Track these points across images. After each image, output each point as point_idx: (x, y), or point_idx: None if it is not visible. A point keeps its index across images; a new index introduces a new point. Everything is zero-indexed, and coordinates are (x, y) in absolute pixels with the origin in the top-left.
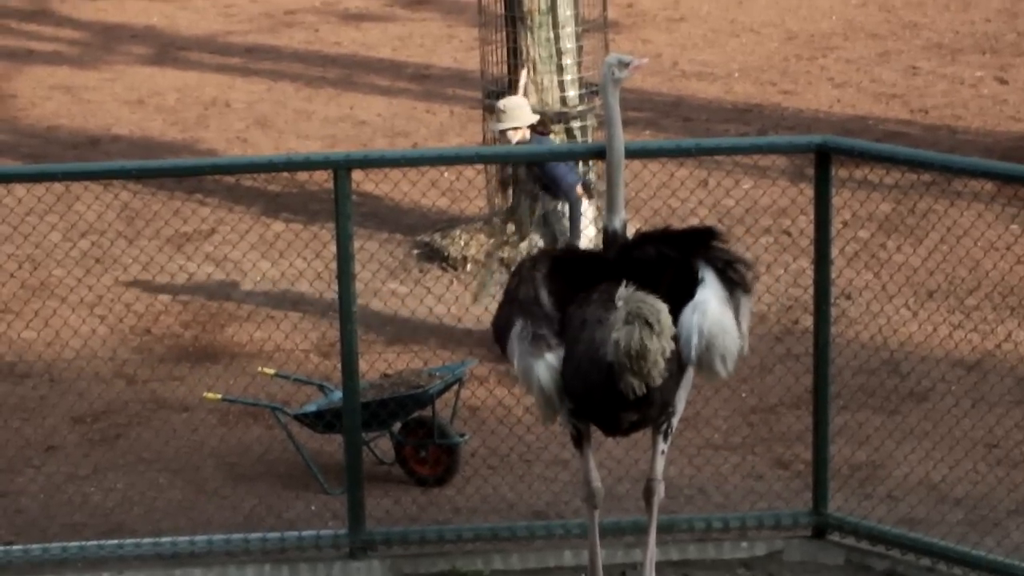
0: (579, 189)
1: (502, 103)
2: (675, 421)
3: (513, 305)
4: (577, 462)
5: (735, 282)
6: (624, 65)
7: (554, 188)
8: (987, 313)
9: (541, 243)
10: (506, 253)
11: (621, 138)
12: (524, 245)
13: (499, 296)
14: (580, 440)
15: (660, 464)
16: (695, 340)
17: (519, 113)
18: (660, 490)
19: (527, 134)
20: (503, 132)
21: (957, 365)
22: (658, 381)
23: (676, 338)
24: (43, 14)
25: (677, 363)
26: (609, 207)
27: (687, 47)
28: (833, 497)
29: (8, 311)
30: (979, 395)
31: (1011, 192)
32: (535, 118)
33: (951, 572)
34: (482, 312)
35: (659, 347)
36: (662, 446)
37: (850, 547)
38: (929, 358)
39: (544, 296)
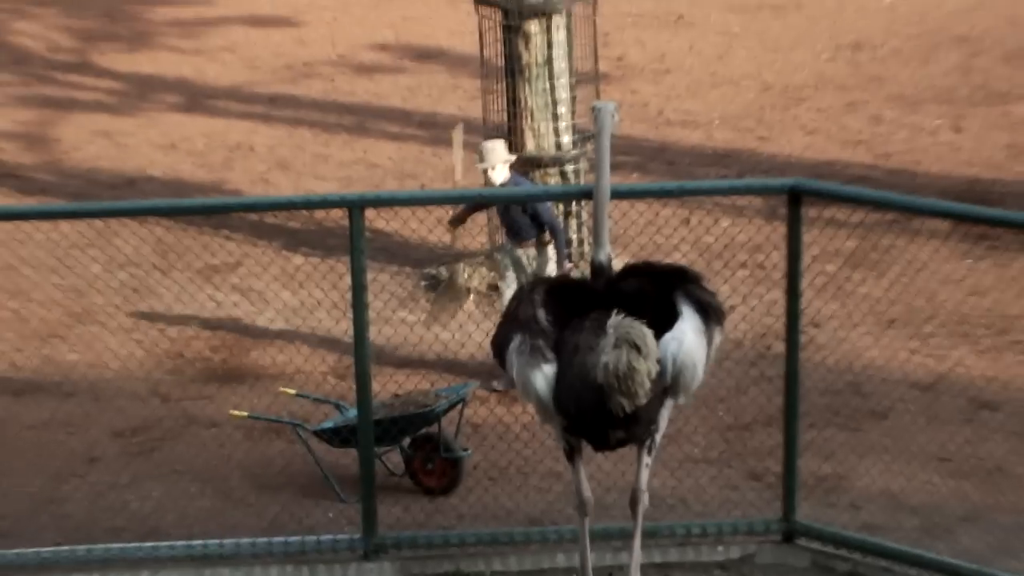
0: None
1: (483, 144)
2: (658, 437)
3: (512, 323)
4: (569, 474)
5: (710, 318)
6: (617, 112)
7: (538, 220)
8: (942, 340)
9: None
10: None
11: (608, 178)
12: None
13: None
14: (572, 454)
15: (645, 476)
16: (669, 367)
17: (500, 152)
18: (644, 500)
19: (507, 174)
20: (485, 171)
21: (914, 386)
22: (643, 400)
23: (660, 361)
24: (85, 66)
25: (660, 385)
26: (596, 241)
27: (671, 97)
28: (801, 506)
29: (55, 335)
30: (933, 413)
31: (965, 230)
32: (512, 157)
33: (907, 573)
34: (483, 339)
35: (646, 368)
36: (646, 460)
37: (816, 551)
38: (889, 380)
39: (541, 315)
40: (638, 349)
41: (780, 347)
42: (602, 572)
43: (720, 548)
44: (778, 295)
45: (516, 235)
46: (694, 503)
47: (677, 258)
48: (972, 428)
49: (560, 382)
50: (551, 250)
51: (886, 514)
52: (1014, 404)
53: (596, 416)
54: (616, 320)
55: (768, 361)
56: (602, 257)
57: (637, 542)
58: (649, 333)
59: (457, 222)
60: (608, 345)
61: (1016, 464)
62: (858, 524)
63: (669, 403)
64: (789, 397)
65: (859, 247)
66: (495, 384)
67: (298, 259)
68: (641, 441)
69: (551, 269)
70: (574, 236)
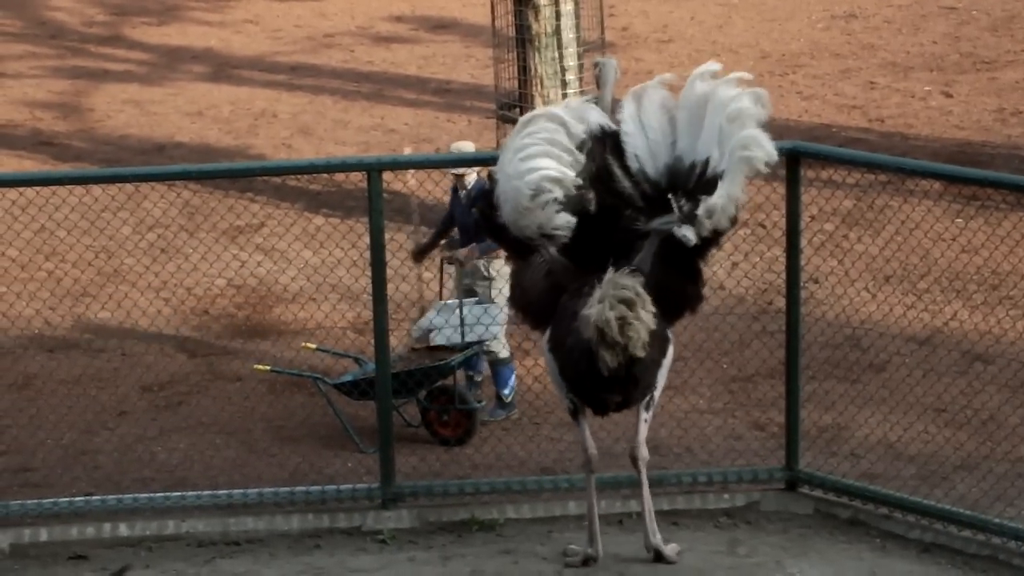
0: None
1: (454, 147)
2: (657, 395)
3: None
4: (575, 432)
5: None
6: (618, 68)
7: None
8: (936, 295)
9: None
10: None
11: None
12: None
13: None
14: (576, 413)
15: (643, 431)
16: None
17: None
18: (643, 454)
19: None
20: (458, 176)
21: (910, 340)
22: (640, 351)
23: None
24: (117, 39)
25: (659, 347)
26: None
27: (674, 65)
28: (803, 455)
29: (86, 295)
30: (929, 366)
31: (956, 191)
32: None
33: (905, 519)
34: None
35: (647, 316)
36: (645, 416)
37: (818, 498)
38: (886, 334)
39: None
40: (628, 303)
41: (781, 303)
42: (612, 519)
43: (725, 496)
44: (779, 253)
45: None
46: (700, 452)
47: None
48: (966, 380)
49: (559, 348)
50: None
51: (885, 463)
52: (1006, 357)
53: (592, 380)
54: (607, 276)
55: (770, 316)
56: None
57: (646, 492)
58: (638, 283)
59: (422, 254)
60: (594, 301)
61: (1009, 414)
62: (858, 472)
63: (667, 364)
64: (790, 350)
65: (855, 207)
66: (500, 414)
67: (319, 220)
68: (640, 401)
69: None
70: None
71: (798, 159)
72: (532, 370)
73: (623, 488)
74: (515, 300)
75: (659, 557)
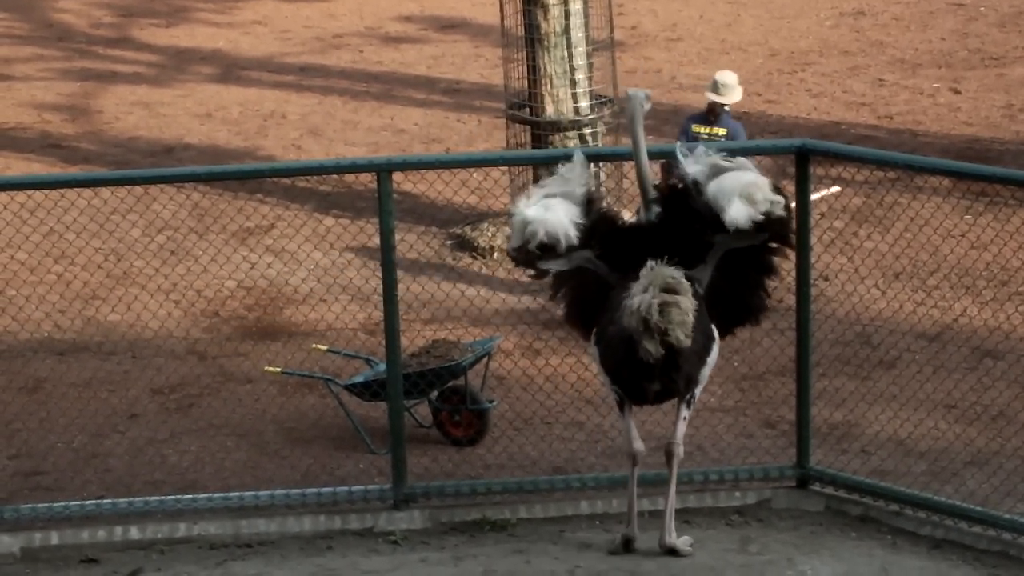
0: None
1: (721, 76)
2: (698, 392)
3: None
4: (620, 424)
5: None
6: (648, 98)
7: None
8: (945, 292)
9: None
10: None
11: (646, 160)
12: None
13: None
14: (622, 405)
15: (681, 429)
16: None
17: (737, 90)
18: (679, 451)
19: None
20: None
21: (920, 337)
22: (684, 341)
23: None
24: (125, 41)
25: (703, 344)
26: (645, 207)
27: (683, 63)
28: (814, 452)
29: (96, 297)
30: (939, 363)
31: (965, 187)
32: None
33: (916, 516)
34: (506, 295)
35: (688, 304)
36: (685, 413)
37: (829, 495)
38: (896, 331)
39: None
40: (672, 289)
41: (791, 300)
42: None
43: (737, 494)
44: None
45: None
46: (711, 450)
47: None
48: (976, 376)
49: (602, 339)
50: None
51: (895, 459)
52: (1016, 353)
53: (631, 368)
54: (647, 269)
55: (780, 314)
56: (651, 217)
57: (672, 490)
58: (679, 274)
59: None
60: (637, 290)
61: (1019, 410)
62: (869, 469)
63: (712, 360)
64: (801, 348)
65: (864, 204)
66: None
67: (329, 221)
68: (681, 395)
69: None
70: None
71: (807, 156)
72: (543, 370)
73: (643, 486)
74: (570, 315)
75: (672, 553)
